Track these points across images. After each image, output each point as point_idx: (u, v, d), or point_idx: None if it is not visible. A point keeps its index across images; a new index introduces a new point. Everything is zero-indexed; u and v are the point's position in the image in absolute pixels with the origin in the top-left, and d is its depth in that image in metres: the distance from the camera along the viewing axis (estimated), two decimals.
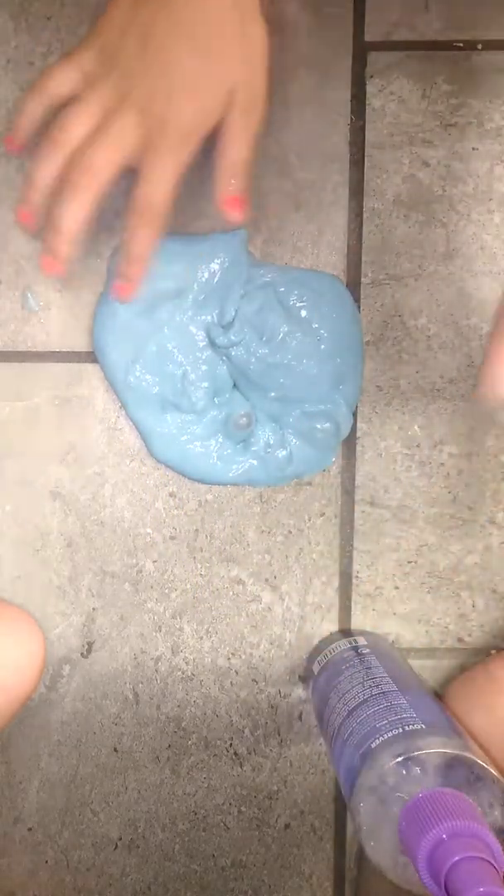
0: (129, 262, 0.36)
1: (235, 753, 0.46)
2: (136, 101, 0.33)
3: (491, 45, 0.42)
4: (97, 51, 0.34)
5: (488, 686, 0.42)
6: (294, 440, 0.43)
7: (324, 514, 0.45)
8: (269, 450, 0.43)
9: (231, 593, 0.45)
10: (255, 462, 0.43)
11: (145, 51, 0.32)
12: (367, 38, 0.42)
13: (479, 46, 0.42)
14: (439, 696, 0.46)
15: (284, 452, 0.43)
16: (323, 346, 0.41)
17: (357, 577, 0.45)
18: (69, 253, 0.35)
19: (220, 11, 0.32)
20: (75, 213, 0.34)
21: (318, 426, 0.42)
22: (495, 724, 0.40)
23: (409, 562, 0.45)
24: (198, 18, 0.32)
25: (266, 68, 0.33)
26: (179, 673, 0.46)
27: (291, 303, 0.41)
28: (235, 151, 0.34)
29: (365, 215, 0.43)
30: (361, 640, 0.43)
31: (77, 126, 0.34)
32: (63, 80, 0.35)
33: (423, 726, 0.34)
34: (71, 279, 0.44)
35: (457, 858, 0.26)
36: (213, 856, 0.47)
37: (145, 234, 0.35)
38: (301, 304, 0.41)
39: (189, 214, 0.42)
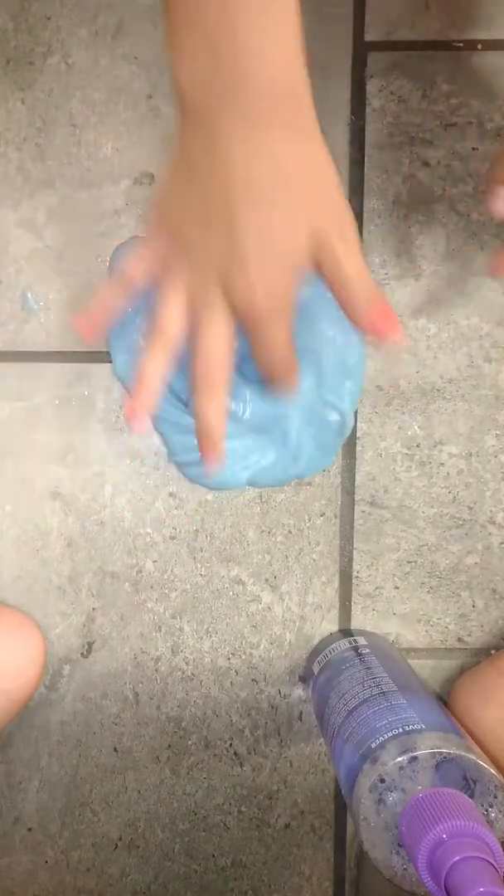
0: (281, 385, 0.34)
1: (235, 753, 0.46)
2: (215, 279, 0.30)
3: (491, 45, 0.42)
4: (163, 229, 0.31)
5: (499, 683, 0.42)
6: (299, 439, 0.42)
7: (324, 514, 0.45)
8: (277, 451, 0.42)
9: (231, 593, 0.45)
10: (265, 463, 0.43)
11: (209, 220, 0.29)
12: (367, 38, 0.42)
13: (479, 46, 0.42)
14: (440, 696, 0.46)
15: (292, 451, 0.42)
16: (336, 341, 0.41)
17: (357, 577, 0.45)
18: (223, 443, 0.34)
19: (272, 153, 0.28)
20: (219, 409, 0.32)
21: (328, 416, 0.42)
22: None
23: (409, 562, 0.45)
24: (253, 169, 0.28)
25: (338, 185, 0.30)
26: (179, 673, 0.46)
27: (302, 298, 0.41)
28: (351, 277, 0.30)
29: (365, 215, 0.43)
30: (361, 640, 0.43)
31: (172, 324, 0.32)
32: (139, 270, 0.32)
33: (423, 726, 0.33)
34: (71, 280, 0.44)
35: (457, 858, 0.26)
36: (213, 856, 0.47)
37: (285, 385, 0.34)
38: (309, 301, 0.41)
39: None
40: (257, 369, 0.33)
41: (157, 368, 0.33)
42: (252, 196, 0.28)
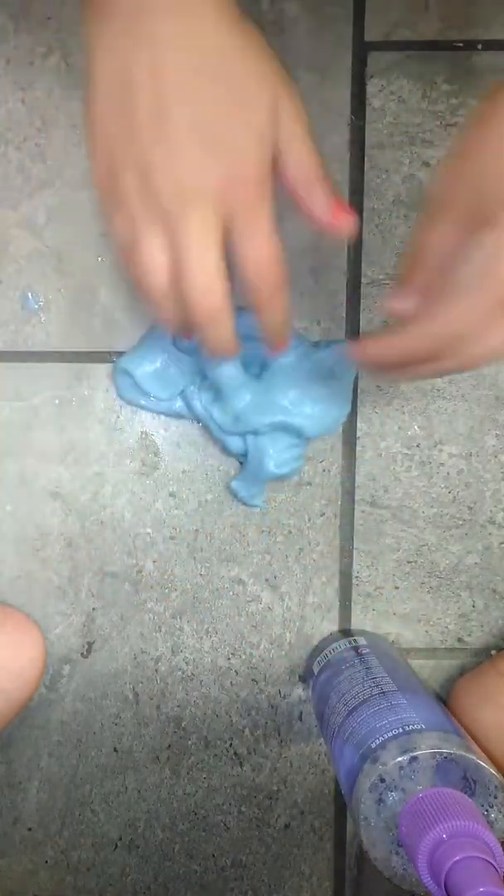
0: (276, 332, 0.33)
1: (235, 753, 0.46)
2: (189, 186, 0.27)
3: (491, 45, 0.42)
4: (114, 161, 0.28)
5: (499, 684, 0.42)
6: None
7: (324, 514, 0.45)
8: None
9: (231, 593, 0.45)
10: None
11: (161, 127, 0.27)
12: (367, 38, 0.42)
13: (479, 46, 0.42)
14: (440, 696, 0.46)
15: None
16: (303, 410, 0.42)
17: (357, 577, 0.45)
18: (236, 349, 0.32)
19: (203, 40, 0.26)
20: (224, 337, 0.30)
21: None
22: None
23: (409, 562, 0.45)
24: (201, 49, 0.26)
25: (274, 59, 0.28)
26: (179, 673, 0.46)
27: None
28: (308, 159, 0.29)
29: (365, 215, 0.43)
30: (361, 640, 0.43)
31: (156, 259, 0.29)
32: (127, 228, 0.29)
33: (423, 726, 0.33)
34: (71, 280, 0.44)
35: (457, 858, 0.26)
36: (213, 856, 0.47)
37: (276, 300, 0.31)
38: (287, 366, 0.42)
39: None
40: (247, 286, 0.30)
41: (166, 310, 0.30)
42: (208, 72, 0.26)
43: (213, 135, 0.27)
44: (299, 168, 0.29)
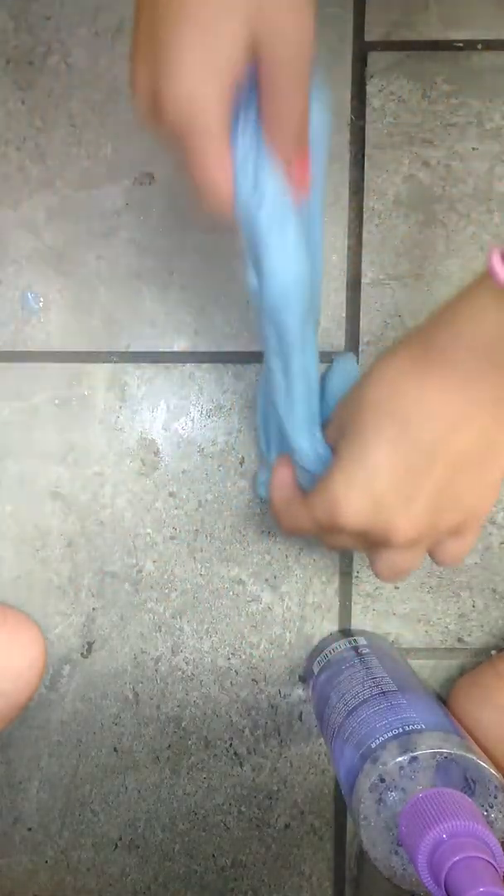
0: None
1: (235, 753, 0.46)
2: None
3: (491, 45, 0.42)
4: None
5: (498, 685, 0.42)
6: None
7: None
8: None
9: (231, 593, 0.45)
10: None
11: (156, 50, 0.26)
12: (367, 38, 0.42)
13: (479, 46, 0.42)
14: (440, 696, 0.46)
15: None
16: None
17: (357, 577, 0.45)
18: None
19: None
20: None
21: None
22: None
23: None
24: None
25: None
26: (179, 673, 0.46)
27: None
28: (281, 106, 0.27)
29: (365, 215, 0.43)
30: (361, 640, 0.43)
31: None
32: None
33: (423, 726, 0.33)
34: (71, 280, 0.44)
35: (457, 858, 0.26)
36: (213, 856, 0.47)
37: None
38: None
39: None
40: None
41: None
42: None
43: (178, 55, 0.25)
44: (270, 113, 0.27)
